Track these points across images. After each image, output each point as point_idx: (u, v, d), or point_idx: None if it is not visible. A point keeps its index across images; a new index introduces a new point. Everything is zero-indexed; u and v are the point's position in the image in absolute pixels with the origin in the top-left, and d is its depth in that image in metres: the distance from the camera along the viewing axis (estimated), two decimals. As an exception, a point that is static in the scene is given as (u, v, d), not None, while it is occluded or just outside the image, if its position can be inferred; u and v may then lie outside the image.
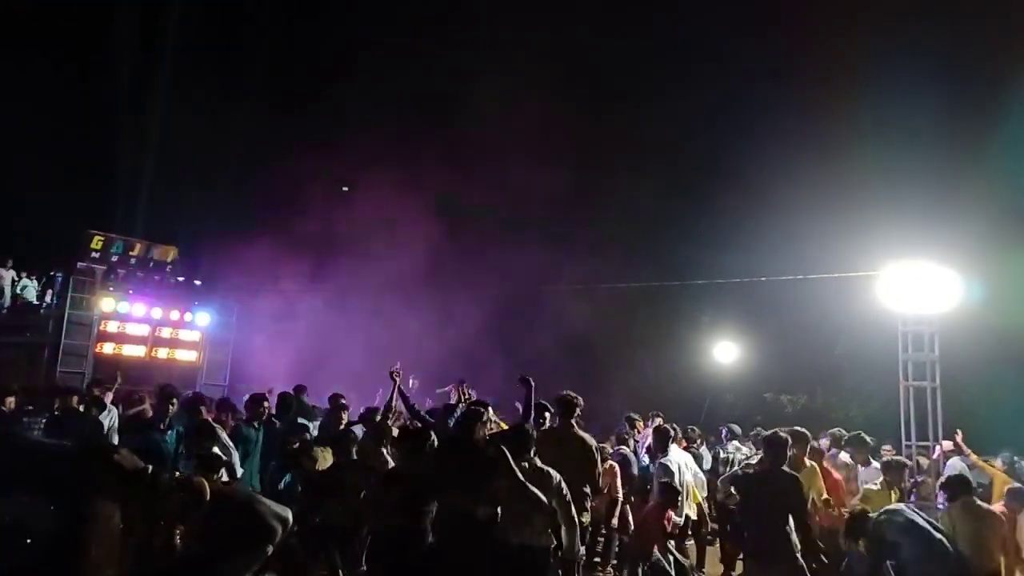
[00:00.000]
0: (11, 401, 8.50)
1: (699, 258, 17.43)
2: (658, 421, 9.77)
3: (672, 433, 8.39)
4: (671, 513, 7.59)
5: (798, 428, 7.51)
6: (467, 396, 8.43)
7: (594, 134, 19.90)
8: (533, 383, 6.80)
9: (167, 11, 21.67)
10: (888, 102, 16.65)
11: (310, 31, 25.15)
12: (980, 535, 5.88)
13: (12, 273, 17.79)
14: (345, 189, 19.23)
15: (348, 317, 17.71)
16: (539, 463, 5.58)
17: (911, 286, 11.11)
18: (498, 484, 5.20)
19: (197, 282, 17.48)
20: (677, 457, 8.20)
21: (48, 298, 17.49)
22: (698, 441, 10.54)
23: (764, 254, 16.05)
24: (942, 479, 7.09)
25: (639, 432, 9.45)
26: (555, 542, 5.46)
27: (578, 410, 6.67)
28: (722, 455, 9.83)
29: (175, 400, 7.61)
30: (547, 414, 7.10)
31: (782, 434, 6.30)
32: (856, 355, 16.46)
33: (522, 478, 5.22)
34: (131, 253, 17.17)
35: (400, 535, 5.43)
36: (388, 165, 17.38)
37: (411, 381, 13.32)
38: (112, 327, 16.46)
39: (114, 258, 16.80)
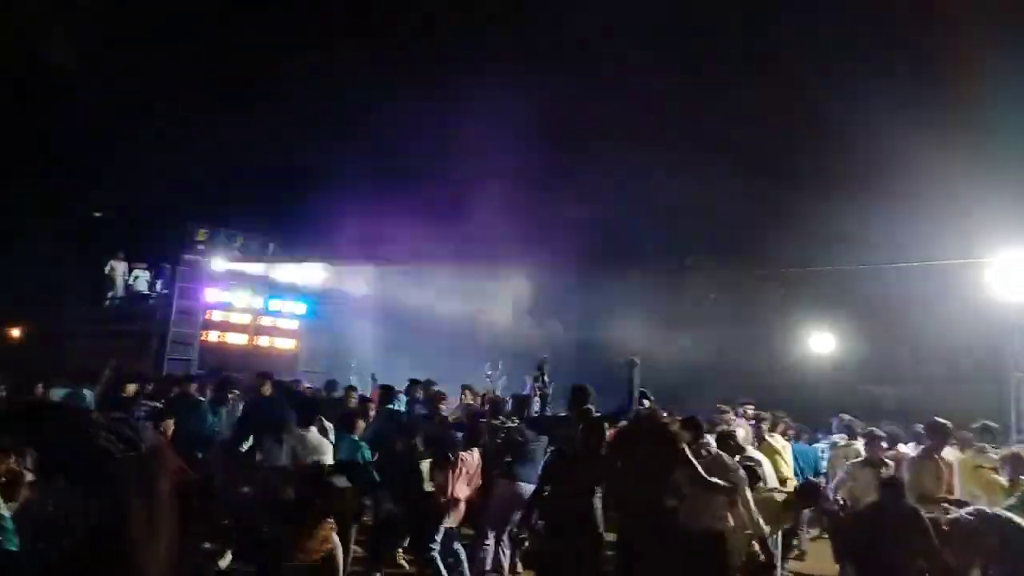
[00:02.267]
0: (132, 388, 8.97)
1: (792, 248, 16.93)
2: (748, 410, 9.30)
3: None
4: None
5: (938, 419, 7.07)
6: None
7: (685, 121, 19.33)
8: (638, 362, 7.13)
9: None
10: (1002, 78, 15.74)
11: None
12: None
13: (124, 265, 18.87)
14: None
15: (442, 295, 17.81)
16: (714, 449, 5.89)
17: (1024, 274, 10.64)
18: (680, 473, 5.42)
19: (295, 271, 18.10)
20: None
21: (158, 288, 18.48)
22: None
23: (865, 243, 15.49)
24: None
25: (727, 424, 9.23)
26: (731, 524, 5.70)
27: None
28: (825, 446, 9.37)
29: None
30: (646, 401, 7.21)
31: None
32: (957, 346, 15.73)
33: (699, 467, 5.46)
34: (234, 245, 17.96)
35: (575, 521, 5.65)
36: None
37: (499, 364, 13.53)
38: (217, 316, 17.29)
39: (218, 250, 17.59)
